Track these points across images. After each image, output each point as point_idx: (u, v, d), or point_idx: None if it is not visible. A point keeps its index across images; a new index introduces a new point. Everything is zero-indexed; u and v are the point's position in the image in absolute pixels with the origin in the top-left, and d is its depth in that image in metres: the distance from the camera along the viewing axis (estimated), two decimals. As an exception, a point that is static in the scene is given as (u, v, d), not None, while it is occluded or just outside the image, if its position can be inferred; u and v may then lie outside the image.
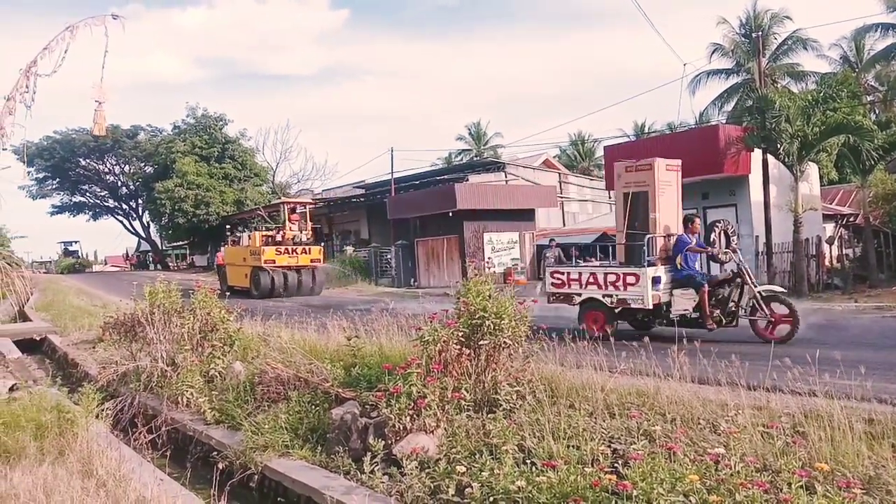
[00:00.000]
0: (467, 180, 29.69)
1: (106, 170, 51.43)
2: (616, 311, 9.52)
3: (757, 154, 18.30)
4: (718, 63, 28.30)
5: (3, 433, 5.58)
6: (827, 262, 19.51)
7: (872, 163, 17.63)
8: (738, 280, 9.04)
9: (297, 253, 23.13)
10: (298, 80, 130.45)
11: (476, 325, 5.64)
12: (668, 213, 9.79)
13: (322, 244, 27.44)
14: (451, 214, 25.06)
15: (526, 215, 27.01)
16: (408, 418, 4.90)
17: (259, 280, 22.48)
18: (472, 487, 3.99)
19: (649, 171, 9.69)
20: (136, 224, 54.58)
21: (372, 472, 4.61)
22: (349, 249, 32.96)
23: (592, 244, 21.73)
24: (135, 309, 8.49)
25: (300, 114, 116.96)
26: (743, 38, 26.79)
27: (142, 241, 57.68)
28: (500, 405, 5.28)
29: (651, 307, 9.14)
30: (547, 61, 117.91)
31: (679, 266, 9.30)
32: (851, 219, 23.34)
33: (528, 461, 4.28)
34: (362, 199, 36.44)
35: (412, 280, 27.27)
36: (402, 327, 7.25)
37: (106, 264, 69.45)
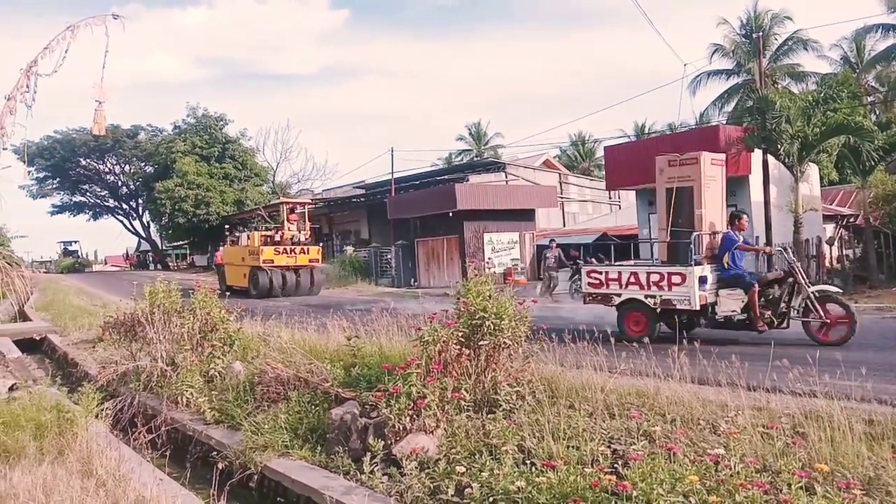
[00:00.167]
0: (467, 180, 29.69)
1: (106, 169, 51.49)
2: (658, 312, 9.12)
3: (757, 154, 18.31)
4: (719, 63, 28.34)
5: (3, 433, 5.58)
6: (827, 263, 19.50)
7: (873, 163, 17.64)
8: (790, 280, 8.64)
9: (295, 253, 23.15)
10: (298, 79, 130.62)
11: (476, 326, 5.64)
12: (713, 209, 9.37)
13: (321, 244, 27.46)
14: (451, 214, 25.07)
15: (526, 215, 27.02)
16: (407, 418, 4.90)
17: (258, 280, 22.49)
18: (471, 488, 3.98)
19: (695, 165, 9.23)
20: (137, 224, 54.69)
21: (371, 472, 4.61)
22: (349, 249, 32.96)
23: (593, 244, 21.81)
24: (135, 309, 8.48)
25: (300, 114, 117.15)
26: (743, 39, 26.82)
27: (142, 240, 57.73)
28: (500, 405, 5.28)
29: (698, 308, 8.77)
30: (547, 61, 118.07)
31: (726, 265, 8.90)
32: (852, 219, 23.34)
33: (528, 461, 4.28)
34: (362, 199, 36.45)
35: (412, 280, 27.27)
36: (402, 327, 7.25)
37: (106, 264, 69.49)
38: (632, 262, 10.22)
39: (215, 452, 5.95)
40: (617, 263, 9.87)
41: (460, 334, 5.57)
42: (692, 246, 8.97)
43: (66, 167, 48.65)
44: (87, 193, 53.35)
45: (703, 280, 8.82)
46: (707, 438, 4.43)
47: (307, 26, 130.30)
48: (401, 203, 29.07)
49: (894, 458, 3.82)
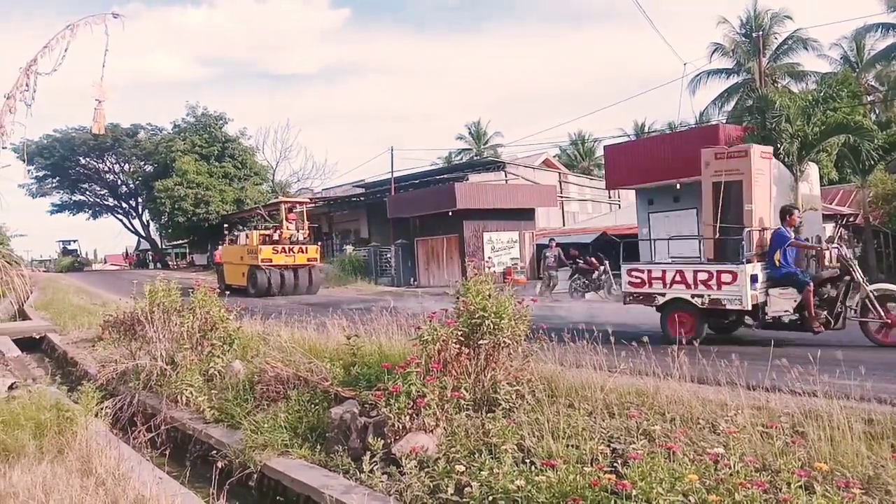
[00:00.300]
0: (467, 180, 29.71)
1: (106, 168, 51.42)
2: (706, 313, 8.71)
3: (757, 153, 18.33)
4: (719, 63, 28.40)
5: (3, 432, 5.58)
6: (826, 262, 19.49)
7: (872, 163, 17.68)
8: (847, 278, 8.29)
9: (293, 252, 23.16)
10: (298, 79, 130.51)
11: (475, 325, 5.64)
12: (761, 204, 8.98)
13: (319, 243, 27.45)
14: (450, 214, 25.09)
15: (526, 215, 27.03)
16: (407, 417, 4.90)
17: (256, 279, 22.49)
18: (471, 486, 3.98)
19: (744, 158, 8.85)
20: (136, 223, 54.61)
21: (371, 471, 4.61)
22: (349, 248, 32.96)
23: (592, 243, 21.82)
24: (134, 307, 8.48)
25: (300, 112, 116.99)
26: (743, 38, 26.87)
27: (141, 239, 57.68)
28: (500, 404, 5.29)
29: (750, 308, 8.37)
30: (547, 60, 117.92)
31: (777, 263, 8.49)
32: (851, 219, 23.36)
33: (528, 460, 4.28)
34: (362, 199, 36.45)
35: (412, 279, 27.28)
36: (401, 326, 7.25)
37: (105, 263, 69.53)
38: (669, 261, 9.76)
39: (215, 451, 5.95)
40: (662, 261, 9.43)
41: (460, 333, 5.57)
42: (744, 243, 8.57)
43: (66, 166, 48.57)
44: (87, 192, 53.27)
45: (754, 278, 8.40)
46: (706, 437, 4.44)
47: (308, 25, 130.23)
48: (400, 202, 29.07)
49: (894, 458, 3.82)
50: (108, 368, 8.11)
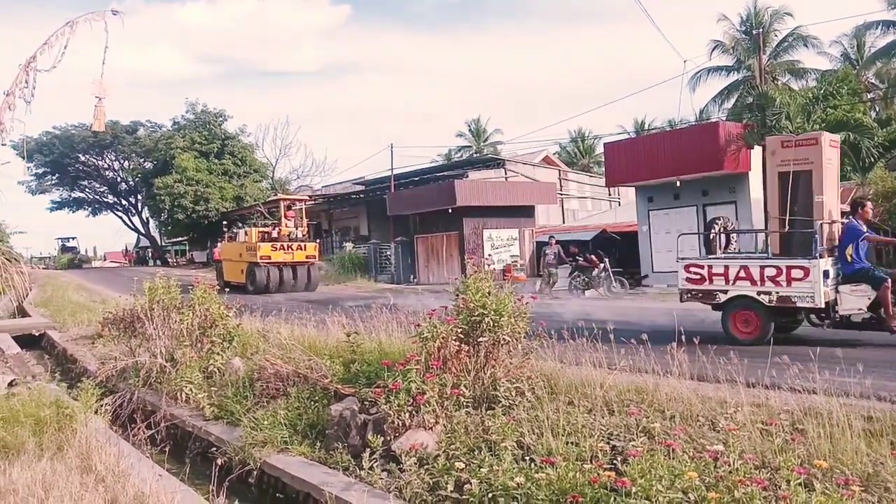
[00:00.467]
0: (467, 177, 29.70)
1: (105, 165, 51.37)
2: (773, 311, 8.27)
3: (757, 151, 18.28)
4: (719, 60, 28.35)
5: (2, 428, 5.58)
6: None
7: (872, 160, 17.68)
8: None
9: (292, 249, 23.19)
10: (298, 76, 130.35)
11: (475, 322, 5.64)
12: (830, 196, 8.49)
13: (318, 241, 27.45)
14: (450, 211, 25.08)
15: (525, 212, 27.02)
16: (407, 415, 4.90)
17: (255, 276, 22.51)
18: (470, 484, 3.98)
19: (814, 146, 8.36)
20: (136, 220, 54.57)
21: (371, 468, 4.61)
22: (349, 246, 32.97)
23: (592, 241, 21.79)
24: (134, 305, 8.48)
25: (300, 110, 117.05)
26: (743, 35, 26.83)
27: (141, 236, 57.66)
28: (499, 402, 5.28)
29: (822, 305, 7.92)
30: (547, 58, 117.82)
31: (849, 258, 8.04)
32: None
33: (527, 458, 4.28)
34: (362, 196, 36.44)
35: (411, 276, 27.28)
36: (401, 324, 7.24)
37: (105, 260, 69.51)
38: (722, 255, 9.37)
39: (215, 448, 5.95)
40: (723, 256, 8.99)
41: (459, 331, 5.57)
42: (816, 236, 8.12)
43: (65, 163, 48.52)
44: (87, 189, 53.24)
45: (825, 274, 7.98)
46: (706, 435, 4.44)
47: (307, 23, 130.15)
48: (400, 199, 29.06)
49: (893, 455, 3.82)
50: (107, 365, 8.11)
